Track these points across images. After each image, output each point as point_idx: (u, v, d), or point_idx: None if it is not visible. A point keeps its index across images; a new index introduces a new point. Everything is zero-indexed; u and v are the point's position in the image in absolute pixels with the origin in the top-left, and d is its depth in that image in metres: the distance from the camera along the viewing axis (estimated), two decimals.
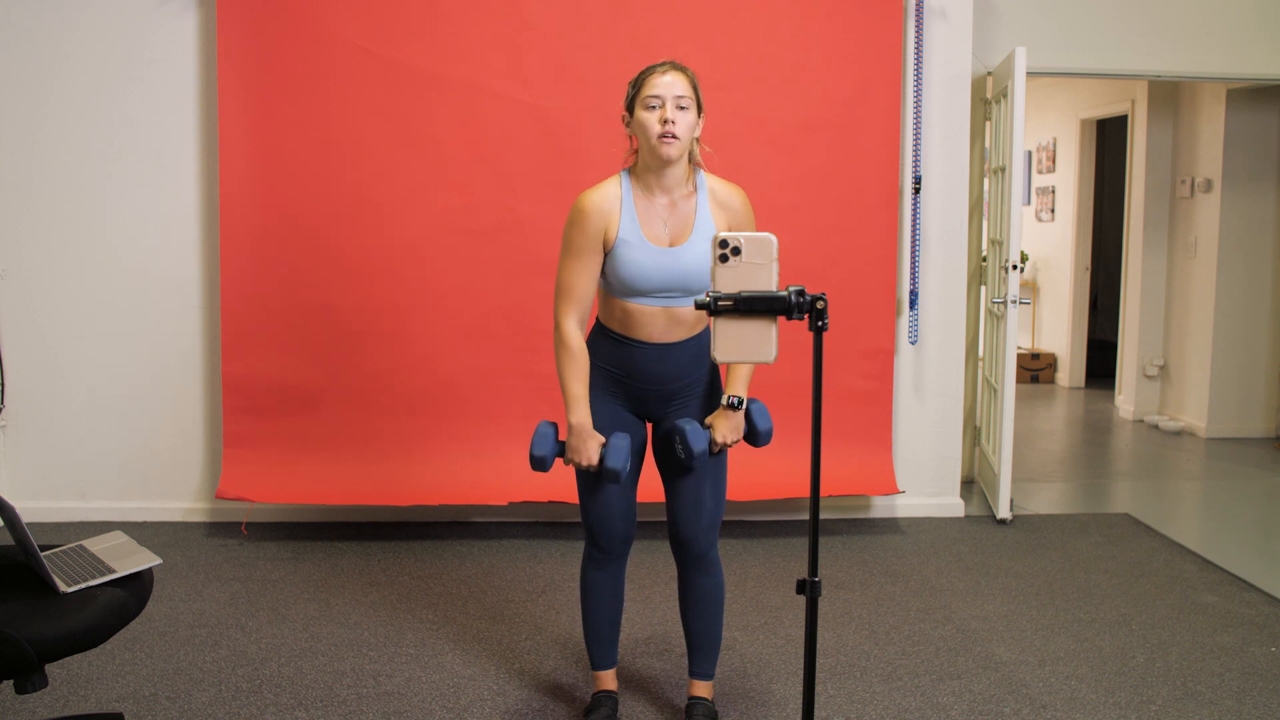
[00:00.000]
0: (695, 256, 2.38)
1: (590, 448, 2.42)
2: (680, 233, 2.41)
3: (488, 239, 4.23)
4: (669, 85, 2.35)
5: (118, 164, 4.32)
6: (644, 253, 2.38)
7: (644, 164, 2.42)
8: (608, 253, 2.41)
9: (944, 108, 4.44)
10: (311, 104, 4.16)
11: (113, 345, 4.40)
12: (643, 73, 2.40)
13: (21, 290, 4.37)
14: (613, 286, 2.44)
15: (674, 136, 2.33)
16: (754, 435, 2.51)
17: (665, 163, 2.37)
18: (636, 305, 2.42)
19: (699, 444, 2.40)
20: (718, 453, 2.50)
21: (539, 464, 2.43)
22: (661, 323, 2.43)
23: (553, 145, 4.18)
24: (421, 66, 4.15)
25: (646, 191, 2.42)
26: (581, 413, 2.42)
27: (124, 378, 4.41)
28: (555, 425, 2.48)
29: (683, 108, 2.35)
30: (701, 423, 2.51)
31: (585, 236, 2.40)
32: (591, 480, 2.53)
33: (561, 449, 2.46)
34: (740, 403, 2.45)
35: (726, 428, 2.47)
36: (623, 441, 2.41)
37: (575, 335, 2.44)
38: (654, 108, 2.34)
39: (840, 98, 4.26)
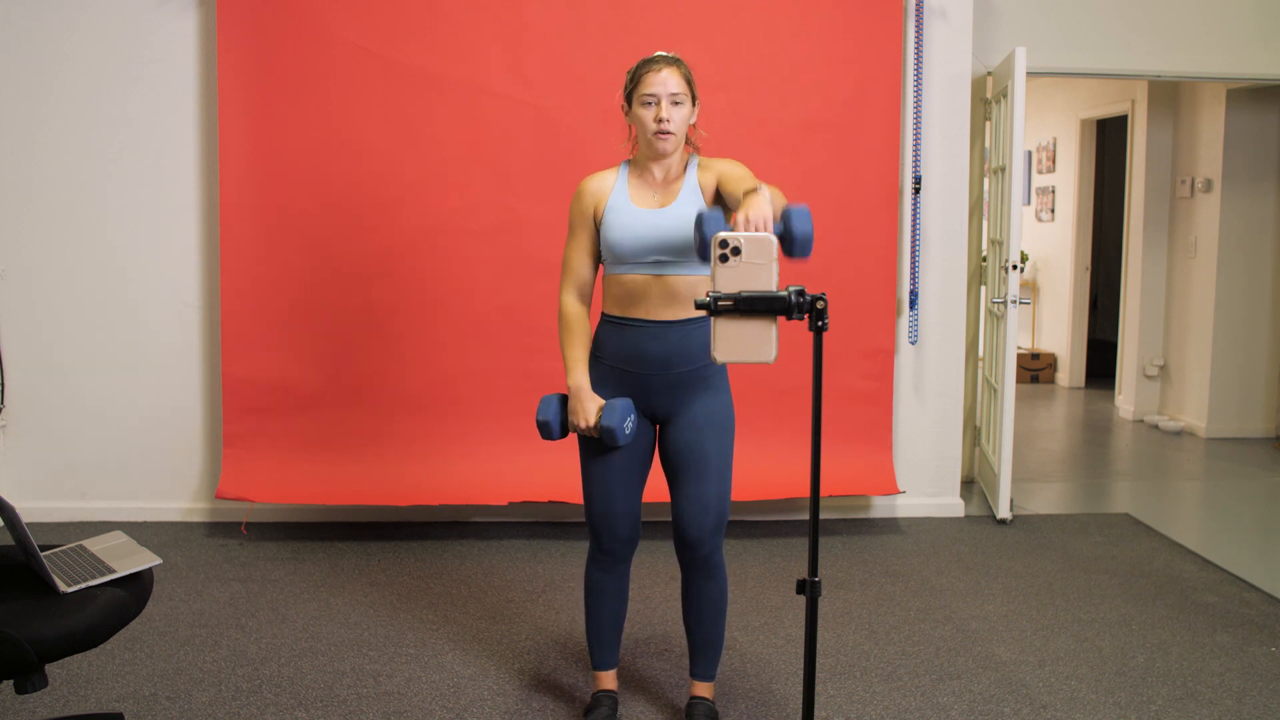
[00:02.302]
0: (681, 216, 2.43)
1: (589, 408, 2.47)
2: (668, 200, 2.49)
3: (487, 239, 4.23)
4: (663, 83, 2.41)
5: (118, 164, 4.32)
6: (630, 214, 2.46)
7: (642, 154, 2.52)
8: (600, 224, 2.50)
9: (944, 108, 4.44)
10: (311, 104, 4.16)
11: (113, 345, 4.40)
12: (638, 67, 2.46)
13: (21, 290, 4.37)
14: (607, 259, 2.51)
15: (669, 133, 2.43)
16: (789, 241, 2.08)
17: (662, 155, 2.47)
18: (630, 276, 2.47)
19: (713, 227, 2.04)
20: (697, 446, 2.42)
21: (545, 429, 2.49)
22: (655, 294, 2.45)
23: (553, 145, 4.19)
24: (421, 66, 4.15)
25: (642, 174, 2.52)
26: (579, 375, 2.50)
27: (124, 378, 4.41)
28: (560, 395, 2.55)
29: (677, 103, 2.43)
30: (708, 409, 2.49)
31: (578, 212, 2.54)
32: (594, 473, 2.53)
33: (566, 416, 2.51)
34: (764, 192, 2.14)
35: (749, 205, 2.06)
36: (621, 403, 2.44)
37: (573, 306, 2.55)
38: (650, 104, 2.42)
39: (840, 98, 4.26)
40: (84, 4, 4.24)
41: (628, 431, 2.43)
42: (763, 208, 2.05)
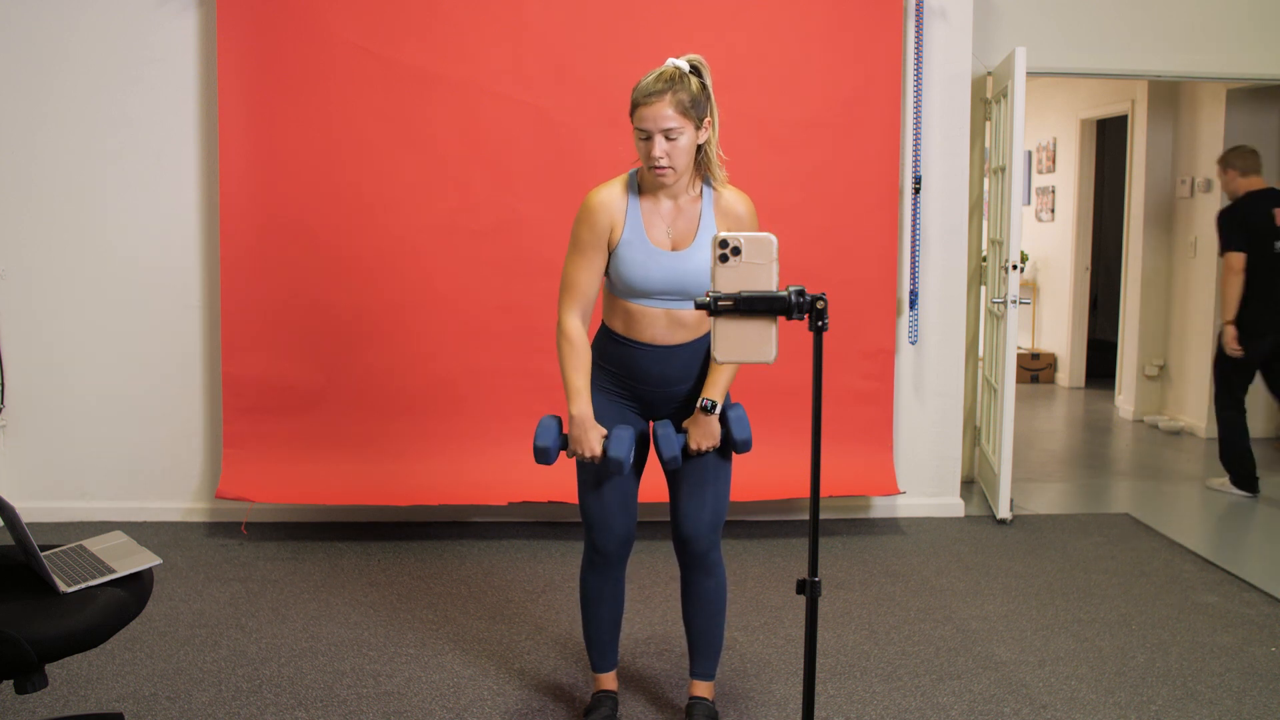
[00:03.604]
0: (698, 263, 2.39)
1: (592, 438, 2.43)
2: (683, 238, 2.42)
3: (488, 239, 4.23)
4: (655, 119, 2.29)
5: (118, 164, 4.32)
6: (647, 254, 2.39)
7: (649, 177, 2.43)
8: (612, 252, 2.43)
9: (944, 108, 4.44)
10: (311, 104, 4.16)
11: (113, 345, 4.40)
12: (634, 96, 2.34)
13: (21, 290, 4.37)
14: (616, 286, 2.46)
15: (665, 169, 2.34)
16: (730, 445, 2.48)
17: (662, 188, 2.41)
18: (638, 306, 2.43)
19: (669, 450, 2.41)
20: (697, 456, 2.49)
21: (542, 455, 2.44)
22: (663, 324, 2.43)
23: (552, 145, 4.18)
24: (421, 66, 4.15)
25: (653, 193, 2.43)
26: (582, 404, 2.43)
27: (124, 377, 4.41)
28: (558, 418, 2.50)
29: (673, 138, 2.31)
30: (679, 427, 2.50)
31: (591, 233, 2.42)
32: (591, 477, 2.53)
33: (565, 441, 2.47)
34: (713, 406, 2.43)
35: (700, 433, 2.45)
36: (625, 433, 2.42)
37: (577, 328, 2.46)
38: (645, 139, 2.34)
39: (840, 98, 4.26)
40: (84, 4, 4.24)
41: (630, 460, 2.43)
42: (713, 436, 2.44)
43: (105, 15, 4.25)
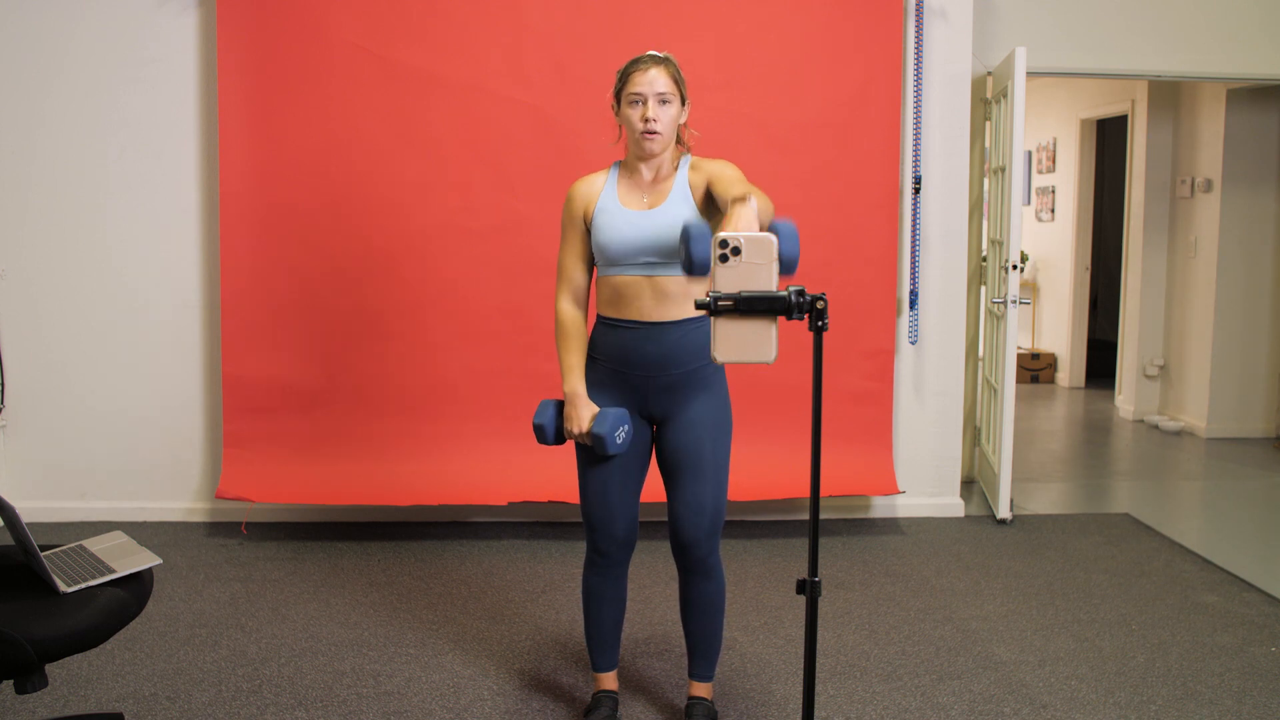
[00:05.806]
0: (671, 218, 2.42)
1: (582, 415, 2.48)
2: (657, 201, 2.48)
3: (487, 239, 4.23)
4: (650, 82, 2.40)
5: (118, 164, 4.32)
6: (619, 216, 2.45)
7: (631, 154, 2.51)
8: (590, 228, 2.50)
9: (944, 108, 4.44)
10: (311, 104, 4.16)
11: (113, 345, 4.40)
12: (627, 67, 2.46)
13: (21, 290, 4.37)
14: (599, 260, 2.51)
15: (656, 133, 2.42)
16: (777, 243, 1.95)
17: (650, 156, 2.46)
18: (621, 277, 2.46)
19: (700, 243, 2.00)
20: (694, 447, 2.45)
21: (540, 433, 2.52)
22: (648, 295, 2.44)
23: (552, 145, 4.19)
24: (421, 66, 4.15)
25: (632, 175, 2.51)
26: (574, 381, 2.51)
27: (124, 377, 4.41)
28: (558, 401, 2.56)
29: (665, 102, 2.42)
30: (706, 410, 2.48)
31: (569, 219, 2.54)
32: (591, 473, 2.53)
33: (562, 421, 2.53)
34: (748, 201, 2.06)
35: (736, 221, 2.03)
36: (615, 413, 2.45)
37: (568, 311, 2.56)
38: (636, 104, 2.42)
39: (840, 98, 4.26)
40: (84, 4, 4.24)
41: (619, 441, 2.44)
42: (749, 222, 2.03)
43: (105, 15, 4.25)
